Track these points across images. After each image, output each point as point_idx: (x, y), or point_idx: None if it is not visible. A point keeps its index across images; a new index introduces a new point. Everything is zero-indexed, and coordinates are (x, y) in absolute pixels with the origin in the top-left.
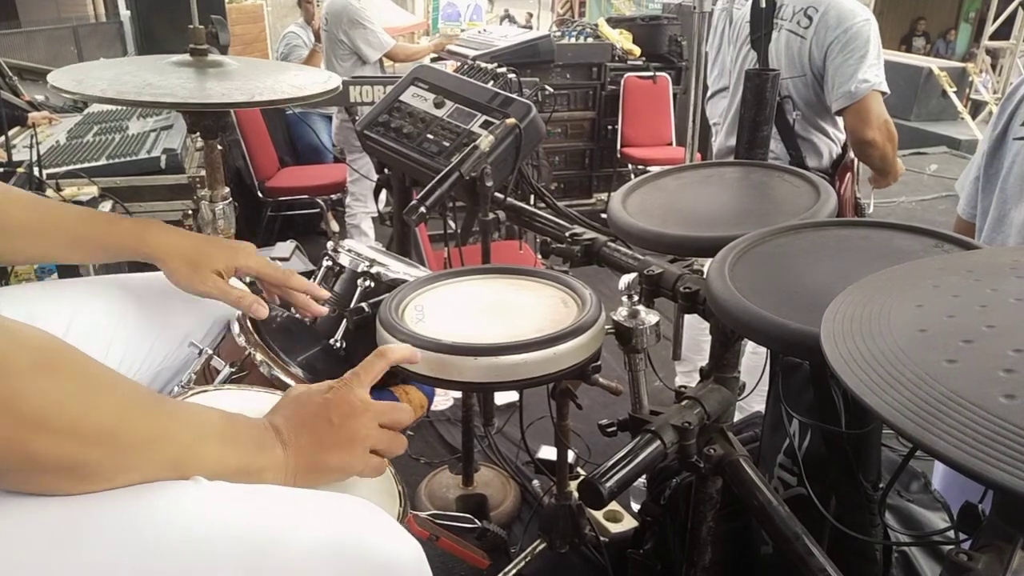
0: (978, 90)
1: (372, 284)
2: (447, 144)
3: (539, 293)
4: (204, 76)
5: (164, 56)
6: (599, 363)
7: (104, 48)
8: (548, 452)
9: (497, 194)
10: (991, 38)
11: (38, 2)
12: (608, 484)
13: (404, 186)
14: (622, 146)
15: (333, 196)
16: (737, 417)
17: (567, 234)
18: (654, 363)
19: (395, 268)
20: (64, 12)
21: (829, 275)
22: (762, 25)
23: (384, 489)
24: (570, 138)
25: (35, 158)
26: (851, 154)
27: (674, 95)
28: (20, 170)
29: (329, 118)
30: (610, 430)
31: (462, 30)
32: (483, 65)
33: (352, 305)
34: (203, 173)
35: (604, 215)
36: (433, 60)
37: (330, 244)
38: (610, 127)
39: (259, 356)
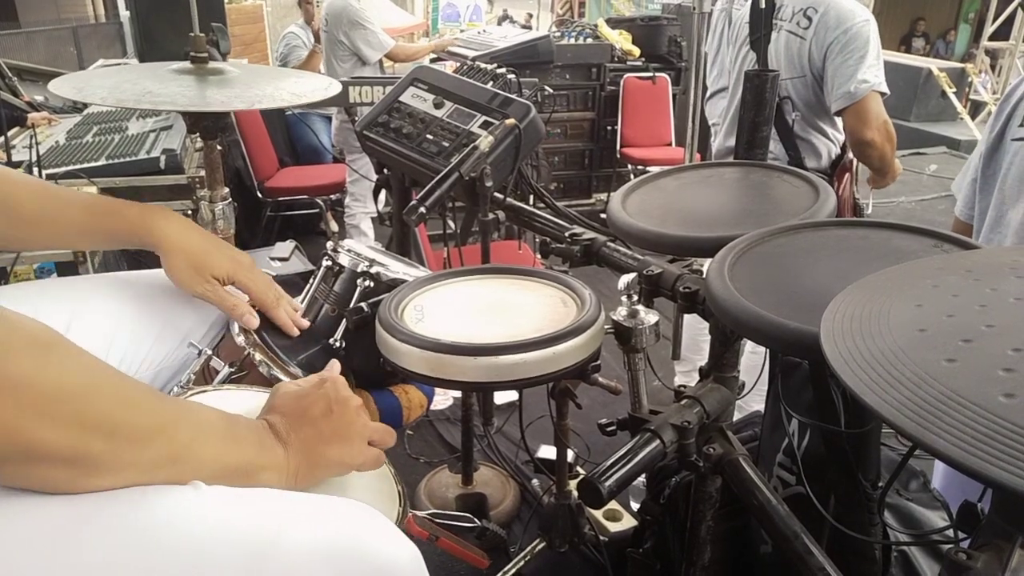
0: (977, 91)
1: (372, 284)
2: (446, 144)
3: (538, 293)
4: (204, 84)
5: (164, 64)
6: (598, 363)
7: (104, 49)
8: (547, 451)
9: (496, 194)
10: (990, 39)
11: (38, 3)
12: (607, 483)
13: (403, 186)
14: (621, 146)
15: (332, 196)
16: (736, 416)
17: (566, 234)
18: (653, 363)
19: (395, 268)
20: (64, 13)
21: (828, 275)
22: (761, 26)
23: (383, 489)
24: (569, 138)
25: (35, 159)
26: (850, 155)
27: (673, 96)
28: (20, 171)
29: (329, 118)
30: (609, 429)
31: (461, 30)
32: (483, 66)
33: (351, 305)
34: (202, 173)
35: (603, 215)
36: (433, 61)
37: (329, 244)
38: (609, 127)
39: (258, 356)
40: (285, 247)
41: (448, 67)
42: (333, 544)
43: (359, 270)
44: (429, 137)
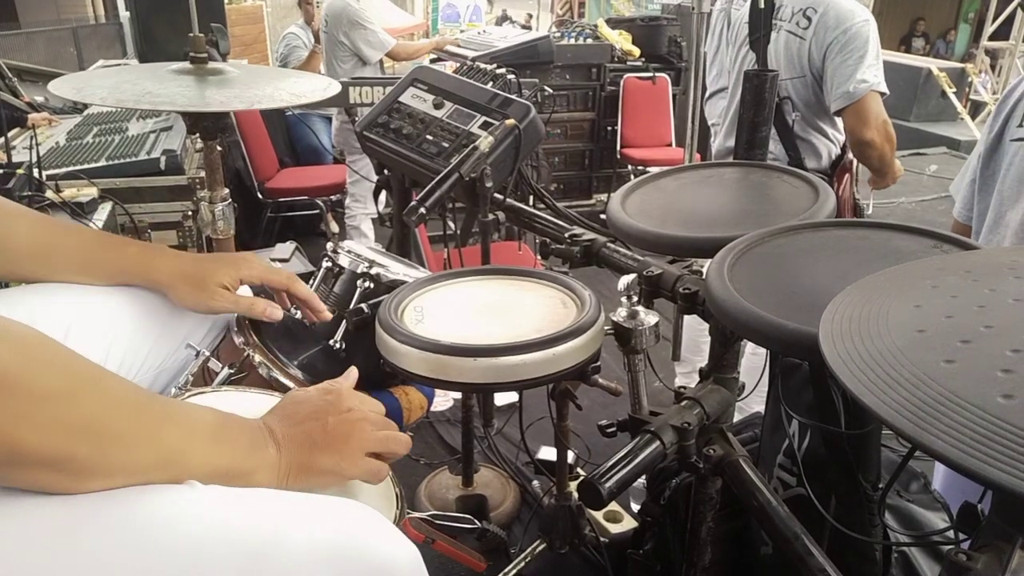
0: (977, 91)
1: (372, 285)
2: (446, 145)
3: (538, 294)
4: (204, 84)
5: (164, 64)
6: (598, 364)
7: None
8: (548, 453)
9: (496, 195)
10: (990, 38)
11: (38, 3)
12: (608, 484)
13: (404, 187)
14: (621, 147)
15: (333, 197)
16: (737, 418)
17: (566, 235)
18: (653, 364)
19: (395, 269)
20: (64, 13)
21: (828, 276)
22: (761, 26)
23: (381, 491)
24: (569, 139)
25: (35, 159)
26: (850, 155)
27: (673, 96)
28: (20, 171)
29: (329, 119)
30: (610, 431)
31: (461, 31)
32: (482, 66)
33: (352, 306)
34: (203, 174)
35: (603, 216)
36: (432, 61)
37: (329, 245)
38: (609, 128)
39: (258, 357)
40: (285, 248)
41: (448, 67)
42: (332, 544)
43: (359, 271)
44: (429, 138)
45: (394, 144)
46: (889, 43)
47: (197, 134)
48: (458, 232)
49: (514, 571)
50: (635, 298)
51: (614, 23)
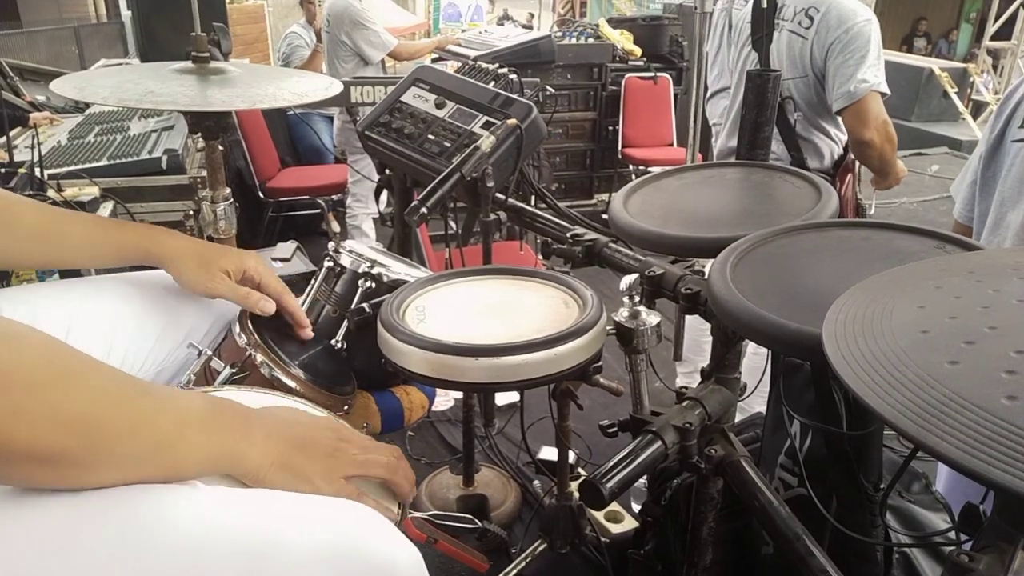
0: (979, 91)
1: (373, 285)
2: (448, 145)
3: (540, 294)
4: (206, 83)
5: (166, 64)
6: (600, 364)
7: (105, 49)
8: (549, 453)
9: (498, 195)
10: (992, 38)
11: (39, 3)
12: (609, 485)
13: (405, 187)
14: (623, 147)
15: (334, 197)
16: (738, 418)
17: (568, 235)
18: (655, 364)
19: (396, 269)
20: (65, 13)
21: (830, 276)
22: (763, 25)
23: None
24: (571, 139)
25: (36, 159)
26: (852, 155)
27: (675, 96)
28: (21, 171)
29: (330, 119)
30: (611, 431)
31: (463, 30)
32: (484, 66)
33: (353, 306)
34: (204, 174)
35: (605, 216)
36: (434, 61)
37: (331, 245)
38: (611, 128)
39: (260, 357)
40: (287, 248)
41: (450, 67)
42: (333, 545)
43: (360, 271)
44: (431, 137)
45: (396, 144)
46: (891, 43)
47: (199, 133)
48: (459, 232)
49: (515, 571)
50: (637, 298)
51: (615, 23)
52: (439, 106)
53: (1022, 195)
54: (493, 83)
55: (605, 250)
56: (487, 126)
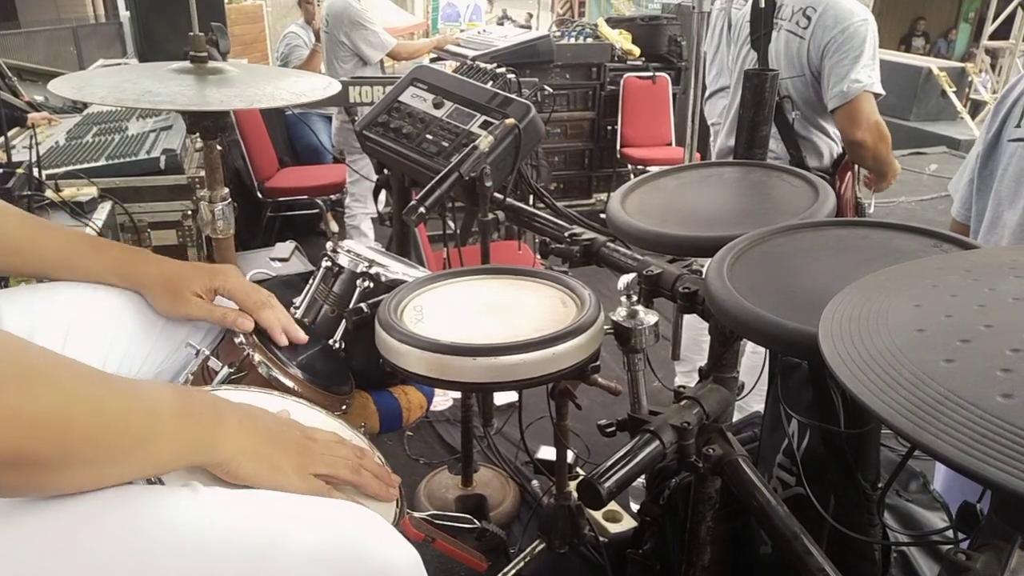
0: (977, 90)
1: (371, 284)
2: (446, 144)
3: (538, 293)
4: (204, 83)
5: (164, 63)
6: (598, 363)
7: (103, 49)
8: (547, 452)
9: (496, 194)
10: (990, 38)
11: (38, 3)
12: (607, 484)
13: (403, 186)
14: (621, 146)
15: (332, 197)
16: (736, 417)
17: (566, 234)
18: (653, 363)
19: (394, 268)
20: (64, 13)
21: (828, 275)
22: (762, 25)
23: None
24: (569, 138)
25: (34, 159)
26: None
27: (673, 95)
28: (19, 171)
29: (329, 119)
30: (609, 430)
31: (461, 30)
32: (482, 65)
33: (351, 305)
34: (202, 174)
35: (603, 215)
36: (432, 60)
37: (329, 244)
38: (609, 127)
39: (257, 357)
40: (285, 247)
41: (448, 67)
42: (333, 546)
43: (359, 271)
44: (429, 137)
45: (394, 143)
46: (889, 42)
47: (197, 133)
48: (458, 231)
49: (513, 571)
50: (635, 297)
51: (614, 22)
52: (437, 106)
53: (1018, 194)
54: (491, 83)
55: (603, 249)
56: (485, 126)
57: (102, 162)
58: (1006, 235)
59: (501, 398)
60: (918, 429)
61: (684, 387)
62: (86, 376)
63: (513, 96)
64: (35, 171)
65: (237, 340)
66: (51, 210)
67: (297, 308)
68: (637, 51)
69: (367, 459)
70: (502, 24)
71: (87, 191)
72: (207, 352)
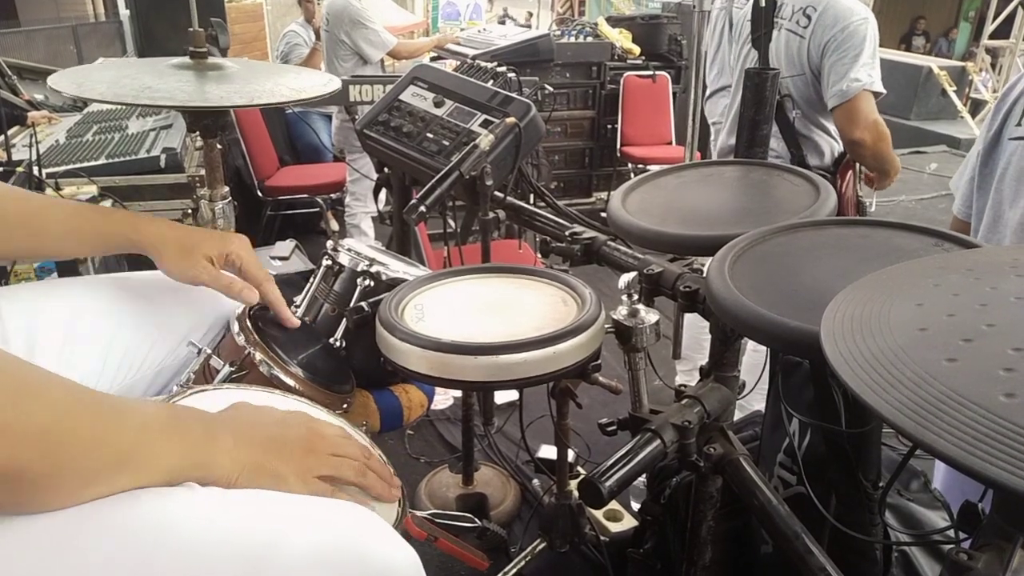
0: (978, 89)
1: (372, 283)
2: (447, 143)
3: (539, 292)
4: (203, 79)
5: (164, 59)
6: (599, 362)
7: (103, 48)
8: (548, 451)
9: (497, 193)
10: (991, 37)
11: (38, 2)
12: (608, 483)
13: (404, 185)
14: (622, 145)
15: (333, 195)
16: (737, 416)
17: (567, 233)
18: (654, 362)
19: (395, 267)
20: (64, 12)
21: (829, 274)
22: (762, 24)
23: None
24: (570, 137)
25: (34, 157)
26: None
27: (674, 94)
28: (20, 169)
29: (329, 117)
30: (610, 429)
31: (462, 29)
32: (483, 64)
33: (352, 304)
34: (202, 172)
35: (604, 214)
36: (433, 59)
37: (330, 243)
38: (610, 126)
39: (259, 355)
40: (285, 246)
41: (448, 66)
42: (333, 547)
43: (359, 269)
44: (429, 136)
45: (394, 142)
46: (889, 41)
47: (197, 132)
48: (458, 230)
49: (514, 570)
50: (635, 296)
51: (614, 21)
52: (438, 104)
53: (1019, 193)
54: (492, 82)
55: (604, 248)
56: (486, 124)
57: (102, 160)
58: (1008, 234)
59: (502, 397)
60: (920, 428)
61: (685, 386)
62: (74, 391)
63: (513, 95)
64: (35, 169)
65: (238, 338)
66: None
67: (298, 307)
68: (637, 50)
69: (373, 459)
70: (503, 23)
71: (87, 189)
72: (208, 351)
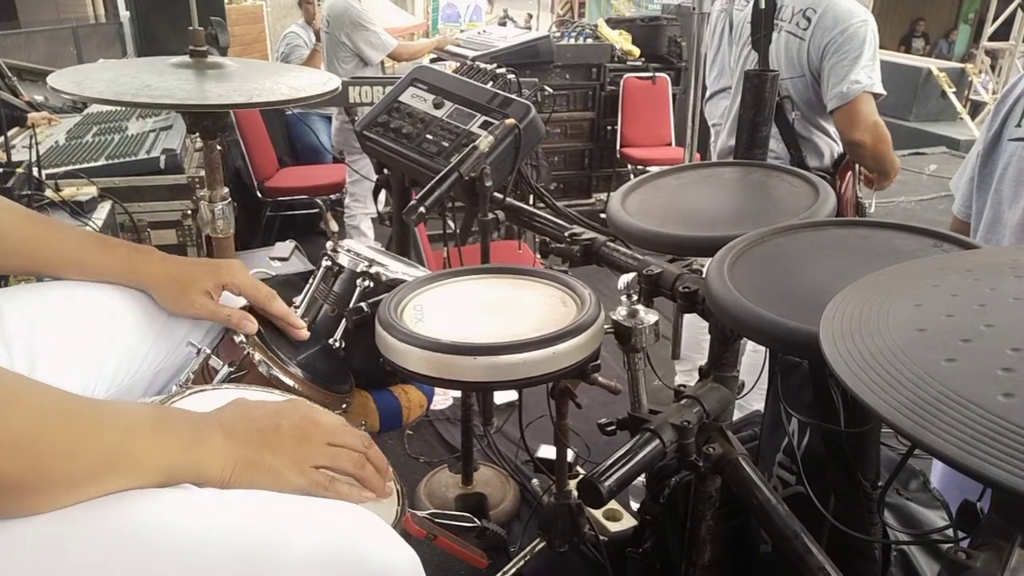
0: (977, 91)
1: (371, 284)
2: (446, 144)
3: (538, 293)
4: (203, 78)
5: (163, 58)
6: (598, 362)
7: (103, 49)
8: (547, 451)
9: (496, 194)
10: (990, 39)
11: (38, 3)
12: (607, 483)
13: (403, 186)
14: (621, 146)
15: (332, 196)
16: (736, 416)
17: (566, 234)
18: (653, 362)
19: (394, 268)
20: (64, 13)
21: (828, 275)
22: (762, 26)
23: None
24: (569, 138)
25: (34, 158)
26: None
27: (673, 95)
28: (19, 170)
29: (328, 118)
30: (609, 429)
31: (461, 31)
32: (482, 66)
33: (351, 305)
34: (202, 173)
35: (603, 215)
36: (433, 61)
37: (329, 244)
38: (609, 127)
39: (258, 355)
40: (285, 247)
41: (448, 67)
42: (331, 548)
43: (359, 270)
44: (429, 137)
45: (394, 143)
46: (889, 43)
47: (197, 133)
48: (458, 231)
49: (513, 569)
50: (635, 297)
51: (614, 23)
52: (437, 106)
53: (1018, 194)
54: (491, 83)
55: (603, 249)
56: (485, 126)
57: (102, 162)
58: (1007, 234)
59: (501, 397)
60: (919, 428)
61: (684, 386)
62: (51, 396)
63: (513, 96)
64: (35, 171)
65: (237, 339)
66: (51, 210)
67: (297, 307)
68: (637, 51)
69: (373, 449)
70: (503, 24)
71: (87, 191)
72: (208, 351)
